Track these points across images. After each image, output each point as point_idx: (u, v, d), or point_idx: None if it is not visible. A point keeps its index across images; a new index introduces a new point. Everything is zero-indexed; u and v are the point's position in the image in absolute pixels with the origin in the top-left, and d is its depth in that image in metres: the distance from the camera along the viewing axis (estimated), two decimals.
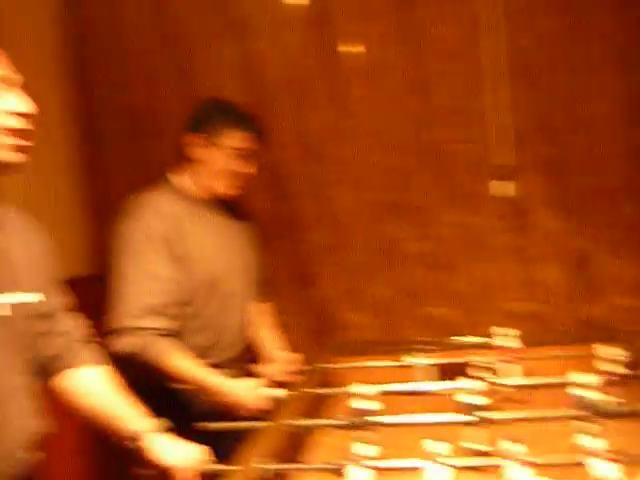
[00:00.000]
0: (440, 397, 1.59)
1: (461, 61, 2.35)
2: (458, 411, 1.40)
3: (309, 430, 1.56)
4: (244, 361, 1.99)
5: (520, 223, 2.37)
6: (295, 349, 2.11)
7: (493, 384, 1.59)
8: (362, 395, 1.44)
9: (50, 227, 1.40)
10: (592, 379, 1.36)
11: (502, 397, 1.59)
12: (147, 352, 1.71)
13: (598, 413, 1.27)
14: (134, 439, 1.38)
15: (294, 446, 1.48)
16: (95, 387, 1.42)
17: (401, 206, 2.41)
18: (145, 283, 1.75)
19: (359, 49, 2.41)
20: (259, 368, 2.09)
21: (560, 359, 1.81)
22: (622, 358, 1.55)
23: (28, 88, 1.20)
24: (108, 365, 1.46)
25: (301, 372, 2.03)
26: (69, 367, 1.39)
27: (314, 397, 1.74)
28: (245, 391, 1.79)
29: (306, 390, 1.78)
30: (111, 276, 1.80)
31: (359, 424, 1.37)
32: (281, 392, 1.80)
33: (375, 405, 1.40)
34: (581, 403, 1.30)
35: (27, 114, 1.18)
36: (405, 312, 2.43)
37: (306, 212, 2.47)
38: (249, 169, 1.94)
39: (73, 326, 1.42)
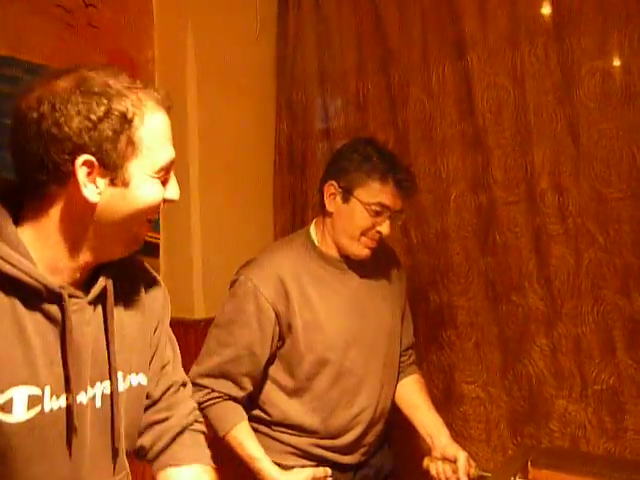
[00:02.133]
0: None
1: None
2: None
3: None
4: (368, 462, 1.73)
5: None
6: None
7: None
8: None
9: None
10: None
11: None
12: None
13: None
14: None
15: None
16: None
17: None
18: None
19: None
20: (426, 461, 1.71)
21: None
22: None
23: None
24: (209, 462, 1.24)
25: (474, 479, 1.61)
26: (170, 465, 1.19)
27: None
28: None
29: None
30: None
31: None
32: None
33: None
34: None
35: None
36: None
37: (520, 268, 1.99)
38: (386, 230, 1.61)
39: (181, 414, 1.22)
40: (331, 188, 1.63)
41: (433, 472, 1.68)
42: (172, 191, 1.00)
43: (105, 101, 0.90)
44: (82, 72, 0.93)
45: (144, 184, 0.95)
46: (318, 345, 1.62)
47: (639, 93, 1.79)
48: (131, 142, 0.92)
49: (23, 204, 0.96)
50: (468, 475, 1.62)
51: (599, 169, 1.85)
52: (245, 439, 1.61)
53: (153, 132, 0.95)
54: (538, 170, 1.93)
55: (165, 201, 1.00)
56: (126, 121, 0.92)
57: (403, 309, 1.82)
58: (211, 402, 1.61)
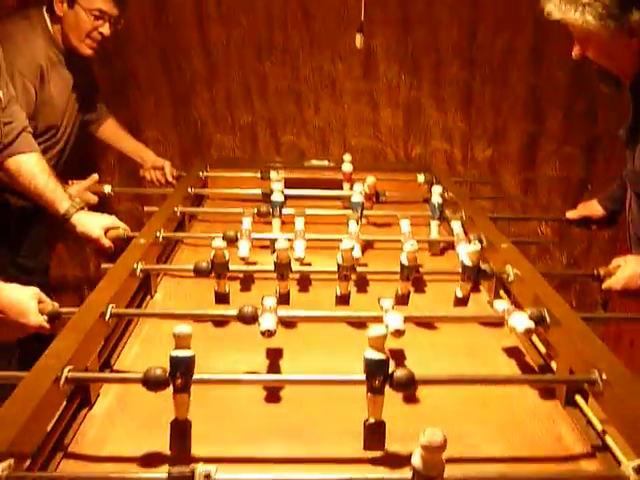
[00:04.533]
0: None
1: None
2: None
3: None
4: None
5: (369, 72, 2.82)
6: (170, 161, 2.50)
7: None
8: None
9: None
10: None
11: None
12: None
13: None
14: (64, 219, 1.75)
15: None
16: (35, 171, 1.74)
17: (270, 46, 2.76)
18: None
19: None
20: (142, 172, 2.47)
21: (390, 181, 2.34)
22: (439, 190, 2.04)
23: None
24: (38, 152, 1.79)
25: (177, 177, 2.42)
26: (19, 153, 1.72)
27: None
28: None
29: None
30: None
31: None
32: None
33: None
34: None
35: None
36: (267, 138, 2.86)
37: (188, 42, 2.74)
38: (106, 31, 2.09)
39: (17, 116, 1.72)
40: None
41: (148, 178, 2.44)
42: None
43: None
44: None
45: None
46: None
47: None
48: None
49: None
50: (172, 176, 2.44)
51: None
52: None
53: None
54: None
55: None
56: None
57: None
58: None
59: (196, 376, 0.97)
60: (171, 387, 0.96)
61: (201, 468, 0.77)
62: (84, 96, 2.27)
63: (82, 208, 1.79)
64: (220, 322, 1.39)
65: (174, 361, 0.95)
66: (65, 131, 2.20)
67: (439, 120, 2.86)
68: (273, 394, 1.13)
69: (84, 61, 2.20)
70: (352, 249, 1.38)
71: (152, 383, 0.95)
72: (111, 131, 2.49)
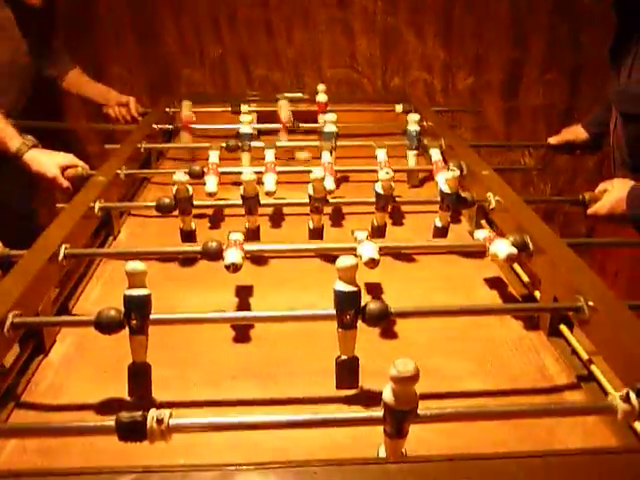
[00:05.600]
0: None
1: None
2: None
3: None
4: None
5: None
6: (137, 99, 2.36)
7: None
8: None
9: None
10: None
11: None
12: None
13: None
14: (16, 158, 1.65)
15: None
16: None
17: None
18: None
19: None
20: (105, 109, 2.34)
21: (367, 112, 2.24)
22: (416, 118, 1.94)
23: None
24: None
25: (143, 114, 2.30)
26: None
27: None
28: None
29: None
30: None
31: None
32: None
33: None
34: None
35: None
36: (238, 71, 2.73)
37: None
38: None
39: None
40: None
41: (112, 114, 2.32)
42: None
43: None
44: None
45: None
46: None
47: None
48: None
49: None
50: (138, 112, 2.31)
51: None
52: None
53: None
54: None
55: None
56: None
57: None
58: None
59: (153, 316, 0.89)
60: (127, 329, 0.89)
61: (154, 412, 0.70)
62: (40, 52, 2.12)
63: (35, 146, 1.68)
64: (187, 261, 1.32)
65: (128, 300, 0.87)
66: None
67: (418, 48, 2.74)
68: (241, 334, 1.07)
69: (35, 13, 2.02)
70: (323, 179, 1.29)
71: (105, 325, 0.88)
72: (76, 81, 2.35)
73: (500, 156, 2.77)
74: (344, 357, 0.90)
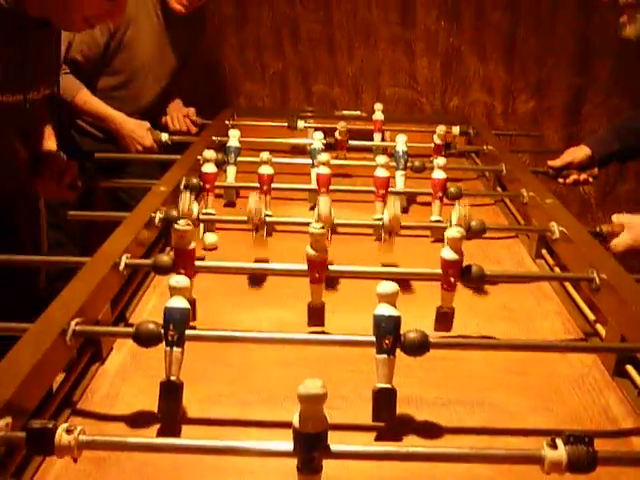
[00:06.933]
0: None
1: None
2: None
3: None
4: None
5: (406, 19, 2.66)
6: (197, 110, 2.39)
7: None
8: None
9: None
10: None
11: None
12: None
13: None
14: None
15: None
16: None
17: None
18: None
19: None
20: (164, 119, 2.39)
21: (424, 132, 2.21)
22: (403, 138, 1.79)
23: None
24: None
25: (202, 125, 2.33)
26: None
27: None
28: (138, 127, 2.13)
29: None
30: None
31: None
32: (166, 136, 2.13)
33: None
34: None
35: None
36: (297, 86, 2.74)
37: None
38: None
39: None
40: None
41: (170, 123, 2.34)
42: None
43: None
44: None
45: None
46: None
47: None
48: None
49: None
50: (196, 123, 2.34)
51: None
52: (90, 98, 2.09)
53: None
54: None
55: None
56: None
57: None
58: None
59: (190, 332, 0.88)
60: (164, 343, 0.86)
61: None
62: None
63: None
64: (254, 277, 1.30)
65: (166, 313, 0.86)
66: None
67: (479, 69, 2.71)
68: (289, 354, 1.05)
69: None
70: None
71: (143, 338, 0.87)
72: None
73: (556, 183, 2.71)
74: (381, 386, 0.85)
